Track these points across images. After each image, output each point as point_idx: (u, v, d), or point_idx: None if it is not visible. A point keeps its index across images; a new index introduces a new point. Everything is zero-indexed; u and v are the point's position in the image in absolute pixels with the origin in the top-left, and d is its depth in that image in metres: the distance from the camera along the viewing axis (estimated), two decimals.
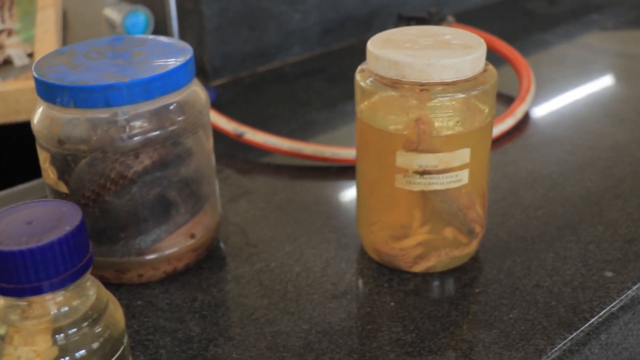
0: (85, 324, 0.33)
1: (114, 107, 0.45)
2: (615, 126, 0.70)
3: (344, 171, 0.64)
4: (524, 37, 0.97)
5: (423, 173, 0.46)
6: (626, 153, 0.65)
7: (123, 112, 0.45)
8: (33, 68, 0.46)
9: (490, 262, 0.51)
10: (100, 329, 0.33)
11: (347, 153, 0.63)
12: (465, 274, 0.50)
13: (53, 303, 0.32)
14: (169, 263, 0.49)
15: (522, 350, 0.43)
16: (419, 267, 0.49)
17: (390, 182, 0.47)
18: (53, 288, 0.31)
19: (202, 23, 0.82)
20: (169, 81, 0.46)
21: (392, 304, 0.47)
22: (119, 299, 0.48)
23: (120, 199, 0.47)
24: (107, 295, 0.35)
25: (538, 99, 0.77)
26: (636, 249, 0.51)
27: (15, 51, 0.81)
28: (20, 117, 0.74)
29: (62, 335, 0.32)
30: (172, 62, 0.47)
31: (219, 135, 0.68)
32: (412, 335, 0.44)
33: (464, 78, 0.44)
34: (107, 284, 0.49)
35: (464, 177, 0.46)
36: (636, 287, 0.48)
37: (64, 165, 0.46)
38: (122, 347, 0.35)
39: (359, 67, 0.48)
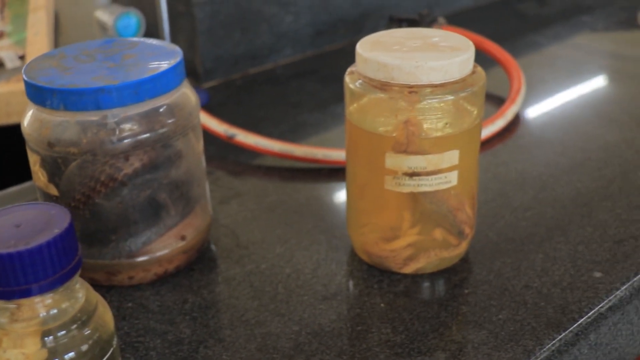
0: (74, 326, 0.33)
1: (104, 110, 0.45)
2: (606, 127, 0.70)
3: (335, 173, 0.64)
4: (515, 38, 0.97)
5: (412, 175, 0.46)
6: (616, 154, 0.65)
7: (113, 114, 0.45)
8: (23, 71, 0.46)
9: (479, 263, 0.51)
10: (89, 331, 0.33)
11: (338, 155, 0.63)
12: (454, 275, 0.50)
13: (42, 305, 0.32)
14: (160, 265, 0.50)
15: (510, 350, 0.43)
16: (409, 269, 0.49)
17: (380, 184, 0.47)
18: (42, 291, 0.31)
19: (193, 25, 0.82)
20: (159, 84, 0.46)
21: (382, 305, 0.47)
22: (110, 301, 0.48)
23: (111, 202, 0.47)
24: (96, 297, 0.35)
25: (529, 100, 0.77)
26: (625, 249, 0.52)
27: (6, 53, 0.81)
28: (11, 120, 0.74)
29: (51, 337, 0.32)
30: (162, 65, 0.47)
31: (210, 137, 0.68)
32: (401, 337, 0.44)
33: (452, 80, 0.44)
34: (98, 286, 0.49)
35: (453, 178, 0.46)
36: (624, 287, 0.48)
37: (54, 167, 0.46)
38: (112, 349, 0.35)
39: (348, 70, 0.48)
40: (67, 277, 0.32)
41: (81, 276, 0.34)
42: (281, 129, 0.73)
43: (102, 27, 0.83)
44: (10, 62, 0.80)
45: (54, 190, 0.47)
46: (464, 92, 0.45)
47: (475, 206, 0.50)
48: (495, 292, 0.48)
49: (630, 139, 0.68)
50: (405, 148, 0.45)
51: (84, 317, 0.33)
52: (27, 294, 0.31)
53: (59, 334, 0.32)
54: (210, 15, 0.83)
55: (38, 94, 0.45)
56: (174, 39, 0.84)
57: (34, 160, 0.47)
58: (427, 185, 0.46)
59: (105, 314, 0.35)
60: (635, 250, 0.51)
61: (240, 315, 0.47)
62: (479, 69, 0.47)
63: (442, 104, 0.45)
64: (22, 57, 0.81)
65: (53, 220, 0.32)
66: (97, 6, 0.85)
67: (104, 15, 0.82)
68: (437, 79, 0.44)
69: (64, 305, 0.33)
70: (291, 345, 0.44)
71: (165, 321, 0.47)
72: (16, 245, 0.30)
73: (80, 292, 0.34)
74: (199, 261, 0.52)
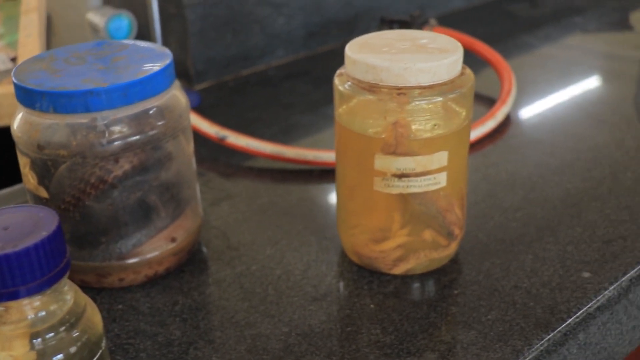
0: (63, 328, 0.33)
1: (93, 112, 0.45)
2: (596, 128, 0.71)
3: (326, 174, 0.64)
4: (507, 39, 0.97)
5: (401, 176, 0.46)
6: (605, 155, 0.65)
7: (102, 117, 0.45)
8: (12, 73, 0.46)
9: (469, 263, 0.51)
10: (77, 333, 0.33)
11: (329, 156, 0.64)
12: (444, 275, 0.50)
13: (30, 308, 0.32)
14: (150, 267, 0.50)
15: (499, 351, 0.43)
16: (399, 269, 0.50)
17: (370, 185, 0.47)
18: (30, 293, 0.32)
19: (185, 27, 0.82)
20: (148, 86, 0.46)
21: (372, 306, 0.47)
22: (100, 303, 0.48)
23: (101, 204, 0.47)
24: (85, 299, 0.35)
25: (519, 101, 0.77)
26: (613, 249, 0.52)
27: None
28: (1, 122, 0.73)
29: (39, 339, 0.32)
30: (152, 67, 0.47)
31: (202, 139, 0.68)
32: (391, 337, 0.45)
33: (440, 82, 0.45)
34: (88, 289, 0.49)
35: (442, 179, 0.47)
36: (613, 287, 0.48)
37: (44, 170, 0.46)
38: (100, 351, 0.35)
39: (338, 71, 0.48)
40: (55, 279, 0.32)
41: (71, 278, 0.34)
42: (273, 131, 0.73)
43: (94, 29, 0.83)
44: (2, 64, 0.80)
45: (44, 193, 0.47)
46: (453, 94, 0.45)
47: (464, 207, 0.50)
48: (485, 292, 0.48)
49: (620, 139, 0.68)
50: (394, 149, 0.45)
51: (73, 319, 0.33)
52: (15, 296, 0.31)
53: (48, 336, 0.33)
54: (201, 16, 0.83)
55: (27, 97, 0.45)
56: (166, 41, 0.84)
57: (24, 163, 0.48)
58: (416, 186, 0.46)
59: (94, 316, 0.35)
60: (624, 251, 0.51)
61: (231, 316, 0.47)
62: (468, 70, 0.48)
63: (430, 106, 0.45)
64: (14, 59, 0.81)
65: (41, 223, 0.32)
66: (88, 8, 0.85)
67: (96, 17, 0.82)
68: (425, 80, 0.44)
69: (52, 308, 0.33)
70: (281, 346, 0.44)
71: (156, 323, 0.47)
72: (4, 247, 0.30)
73: (68, 294, 0.34)
74: (190, 263, 0.52)
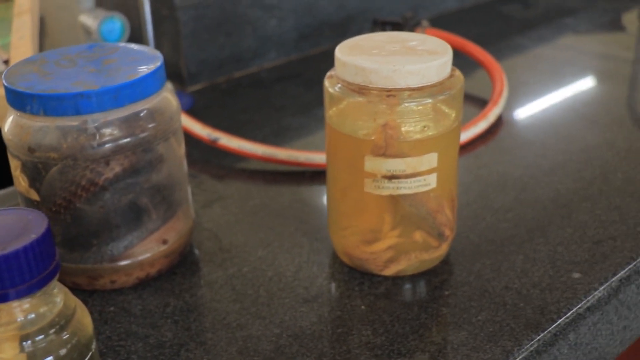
0: (53, 330, 0.33)
1: (83, 115, 0.45)
2: (587, 129, 0.71)
3: (318, 176, 0.64)
4: (499, 40, 0.98)
5: (391, 177, 0.46)
6: (596, 155, 0.65)
7: (93, 119, 0.45)
8: (3, 76, 0.46)
9: (460, 264, 0.51)
10: (67, 335, 0.33)
11: (320, 158, 0.64)
12: (435, 276, 0.50)
13: (20, 310, 0.32)
14: (142, 269, 0.50)
15: (490, 351, 0.43)
16: (390, 271, 0.50)
17: (360, 187, 0.47)
18: (19, 295, 0.32)
19: (177, 29, 0.82)
20: (139, 89, 0.46)
21: (363, 307, 0.48)
22: (92, 305, 0.48)
23: (92, 206, 0.47)
24: (75, 301, 0.35)
25: (511, 102, 0.77)
26: (603, 250, 0.52)
27: None
28: None
29: (29, 342, 0.32)
30: (142, 70, 0.47)
31: (194, 141, 0.68)
32: (381, 338, 0.45)
33: (430, 83, 0.45)
34: (80, 291, 0.49)
35: (432, 181, 0.47)
36: (603, 287, 0.48)
37: (35, 173, 0.46)
38: (91, 353, 0.35)
39: (328, 73, 0.49)
40: (44, 281, 0.32)
41: (63, 281, 0.35)
42: (265, 132, 0.73)
43: (87, 31, 0.83)
44: None
45: (35, 195, 0.47)
46: (442, 95, 0.45)
47: (455, 208, 0.51)
48: (475, 293, 0.48)
49: (611, 140, 0.68)
50: (384, 151, 0.45)
51: (62, 322, 0.33)
52: (4, 298, 0.31)
53: (37, 339, 0.33)
54: (194, 18, 0.83)
55: (18, 100, 0.45)
56: (158, 43, 0.84)
57: (14, 166, 0.48)
58: (407, 187, 0.46)
59: (84, 318, 0.35)
60: (614, 251, 0.52)
61: (222, 318, 0.47)
62: (457, 72, 0.48)
63: (420, 107, 0.45)
64: (6, 62, 0.81)
65: (30, 226, 0.32)
66: (81, 10, 0.85)
67: (88, 20, 0.82)
68: (414, 82, 0.44)
69: (42, 310, 0.33)
70: (272, 348, 0.44)
71: (147, 325, 0.47)
72: None
73: (58, 296, 0.34)
74: (181, 265, 0.52)
